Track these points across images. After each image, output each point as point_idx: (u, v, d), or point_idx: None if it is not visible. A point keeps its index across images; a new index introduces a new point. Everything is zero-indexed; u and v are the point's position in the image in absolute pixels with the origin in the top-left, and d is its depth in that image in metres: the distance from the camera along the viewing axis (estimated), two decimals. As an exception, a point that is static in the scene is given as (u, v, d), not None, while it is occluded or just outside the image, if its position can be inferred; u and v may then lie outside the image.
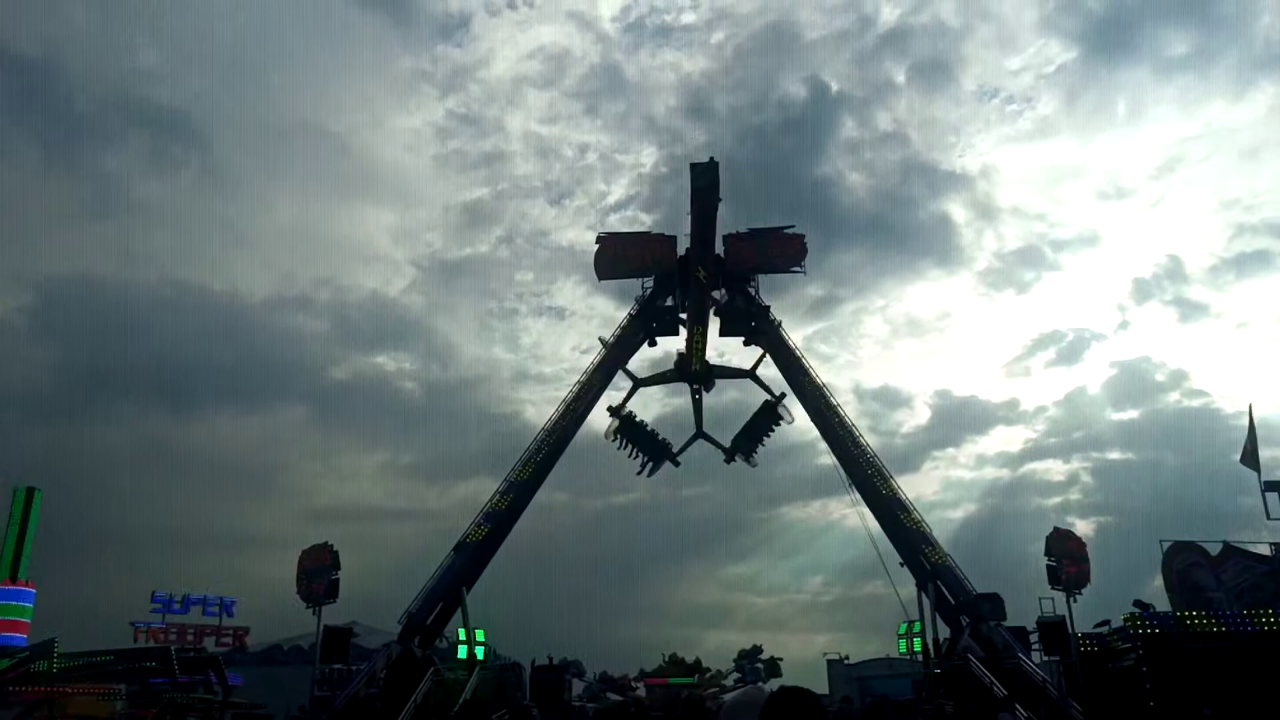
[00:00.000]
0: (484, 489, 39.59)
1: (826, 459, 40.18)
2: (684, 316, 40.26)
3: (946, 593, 35.16)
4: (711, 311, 40.27)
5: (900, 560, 36.45)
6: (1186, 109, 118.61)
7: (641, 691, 48.00)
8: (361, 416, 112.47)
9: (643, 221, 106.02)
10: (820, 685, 52.63)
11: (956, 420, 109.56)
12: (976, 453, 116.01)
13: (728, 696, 39.56)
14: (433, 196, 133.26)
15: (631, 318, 41.30)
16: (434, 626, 36.13)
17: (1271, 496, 31.85)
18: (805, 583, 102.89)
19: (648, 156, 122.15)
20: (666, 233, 41.85)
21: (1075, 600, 30.44)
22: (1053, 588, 30.99)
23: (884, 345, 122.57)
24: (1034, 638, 31.98)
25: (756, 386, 42.27)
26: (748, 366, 42.27)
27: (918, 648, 34.80)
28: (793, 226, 41.76)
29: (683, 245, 40.21)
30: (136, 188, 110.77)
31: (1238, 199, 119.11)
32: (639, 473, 42.97)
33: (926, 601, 34.87)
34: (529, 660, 39.15)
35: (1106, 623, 31.81)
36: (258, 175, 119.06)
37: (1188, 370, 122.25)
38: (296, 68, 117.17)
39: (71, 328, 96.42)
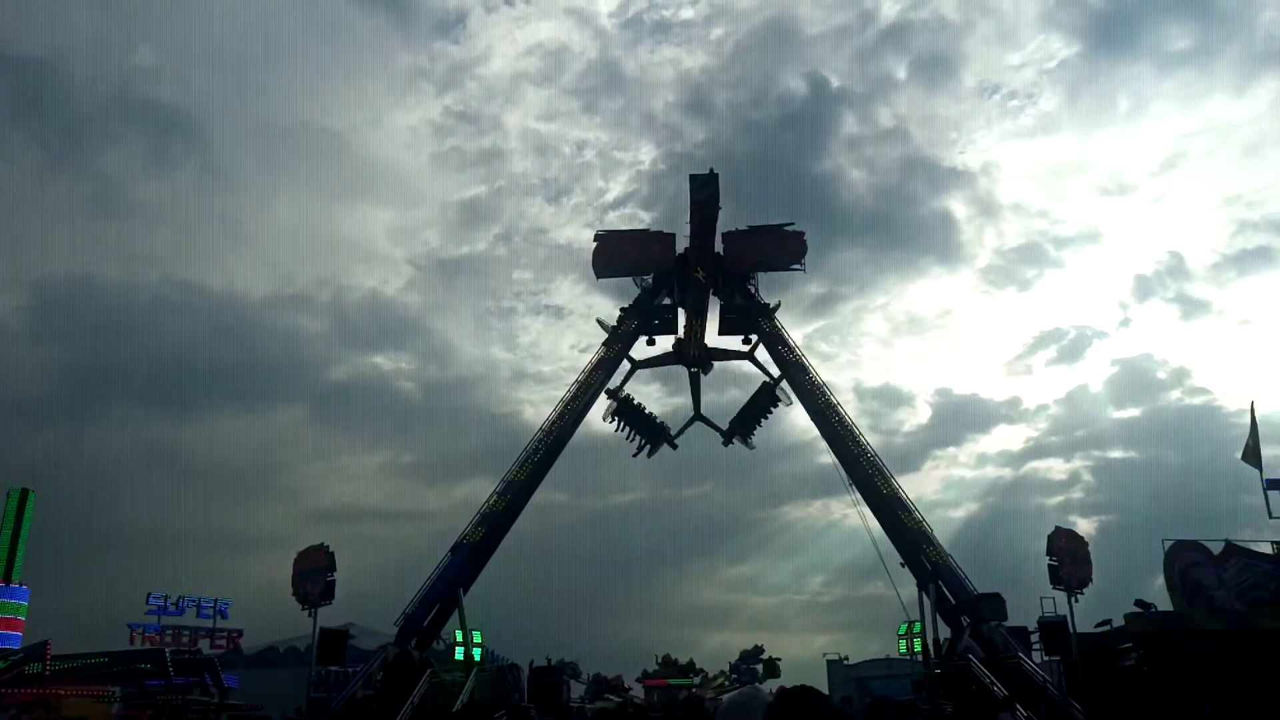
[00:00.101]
0: (482, 489, 39.46)
1: (827, 458, 40.06)
2: (683, 311, 40.23)
3: (947, 593, 34.97)
4: (710, 308, 40.24)
5: (901, 560, 36.28)
6: (1188, 104, 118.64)
7: (637, 693, 47.91)
8: (360, 417, 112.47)
9: (641, 219, 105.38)
10: (820, 686, 52.14)
11: (957, 419, 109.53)
12: (978, 451, 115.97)
13: (725, 697, 39.39)
14: (431, 194, 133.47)
15: (629, 315, 41.09)
16: (431, 628, 35.92)
17: (1274, 495, 31.63)
18: (805, 583, 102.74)
19: (646, 154, 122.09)
20: (665, 230, 41.77)
21: (1077, 600, 30.23)
22: (1054, 587, 30.78)
23: (884, 343, 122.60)
24: (1035, 637, 31.79)
25: (757, 382, 42.22)
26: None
27: (918, 648, 34.62)
28: (793, 224, 41.62)
29: (681, 243, 40.15)
30: (136, 187, 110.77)
31: (1240, 195, 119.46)
32: (635, 454, 42.79)
33: (927, 601, 34.70)
34: (526, 662, 38.96)
35: (1108, 622, 31.61)
36: (257, 174, 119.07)
37: (1190, 368, 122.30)
38: (296, 66, 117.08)
39: (70, 328, 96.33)
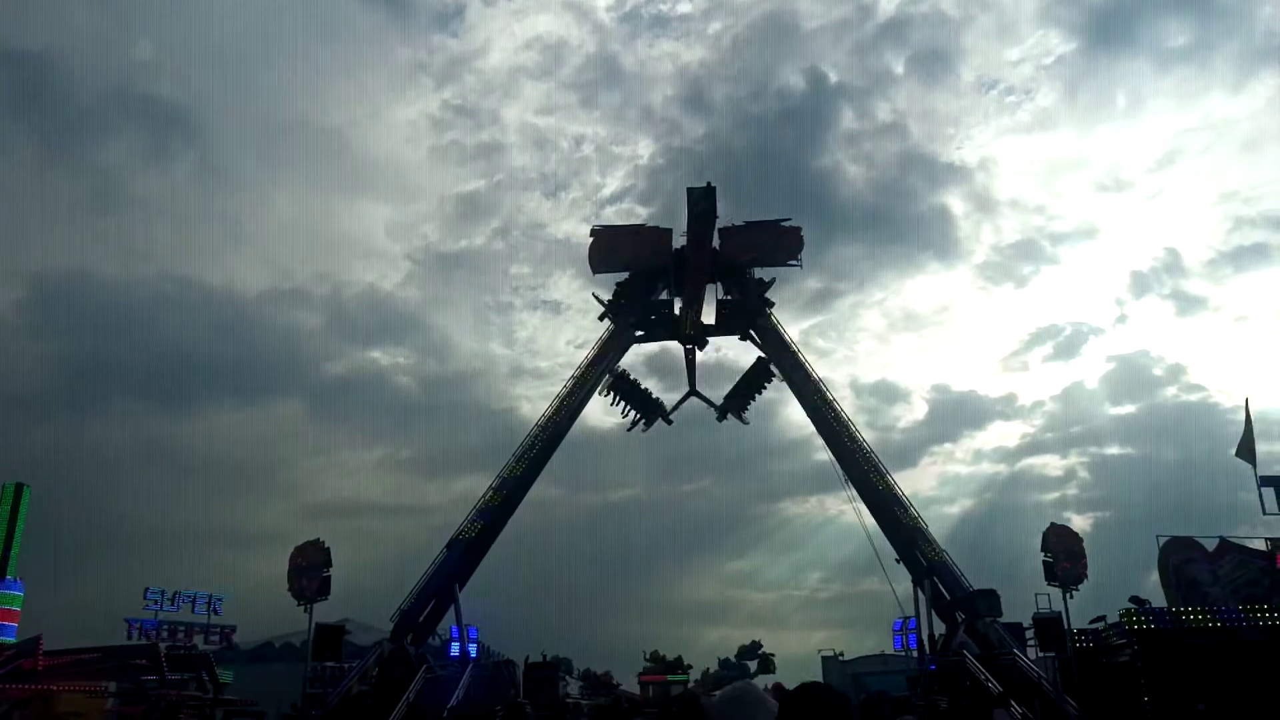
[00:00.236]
0: (480, 484, 39.36)
1: (823, 454, 40.10)
2: (678, 303, 40.47)
3: (942, 589, 35.00)
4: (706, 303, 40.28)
5: (897, 556, 36.29)
6: (1186, 101, 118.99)
7: (629, 688, 47.96)
8: (358, 412, 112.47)
9: (639, 214, 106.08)
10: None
11: (954, 415, 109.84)
12: (974, 448, 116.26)
13: (718, 692, 39.42)
14: (429, 189, 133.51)
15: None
16: (427, 624, 35.89)
17: (1268, 491, 31.74)
18: (802, 579, 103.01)
19: (644, 148, 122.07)
20: (662, 225, 41.68)
21: (1072, 596, 30.26)
22: (1049, 583, 30.81)
23: (881, 339, 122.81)
24: (1030, 634, 31.83)
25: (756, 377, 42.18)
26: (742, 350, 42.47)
27: (913, 644, 34.65)
28: (790, 219, 41.56)
29: (678, 239, 40.16)
30: (134, 182, 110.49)
31: (1236, 191, 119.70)
32: (630, 429, 42.85)
33: (922, 598, 34.73)
34: (522, 658, 38.93)
35: (1102, 618, 31.67)
36: (255, 169, 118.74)
37: (1186, 364, 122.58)
38: (294, 61, 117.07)
39: (68, 322, 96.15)
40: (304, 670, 31.56)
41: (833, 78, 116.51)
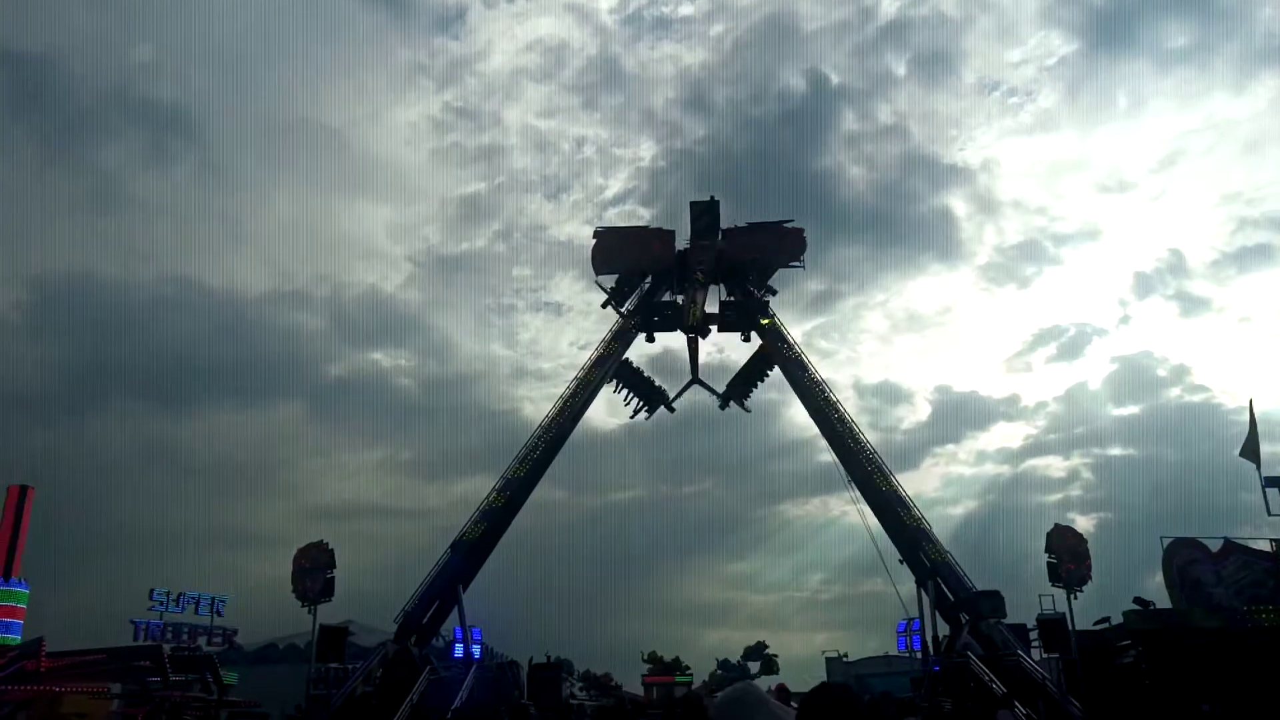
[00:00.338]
0: (482, 486, 39.43)
1: (826, 456, 40.02)
2: (680, 298, 40.75)
3: (946, 590, 34.96)
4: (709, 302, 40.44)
5: (900, 557, 36.26)
6: (1188, 102, 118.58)
7: (628, 689, 47.98)
8: (359, 413, 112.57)
9: (641, 216, 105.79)
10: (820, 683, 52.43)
11: (957, 416, 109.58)
12: (977, 449, 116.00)
13: (720, 693, 39.30)
14: (430, 191, 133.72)
15: (629, 313, 41.07)
16: (430, 625, 35.94)
17: (1272, 492, 31.64)
18: (805, 580, 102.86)
19: (646, 150, 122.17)
20: (665, 227, 41.71)
21: (1076, 597, 30.23)
22: (1053, 585, 30.79)
23: (884, 340, 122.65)
24: (1034, 635, 31.80)
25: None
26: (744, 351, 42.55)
27: (917, 646, 34.61)
28: (792, 220, 41.59)
29: (681, 240, 40.21)
30: (134, 183, 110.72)
31: (1239, 192, 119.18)
32: (633, 416, 43.30)
33: (926, 599, 34.69)
34: (526, 659, 38.93)
35: (1107, 619, 31.62)
36: (256, 170, 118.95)
37: (1189, 365, 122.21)
38: (294, 62, 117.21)
39: (69, 324, 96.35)
40: (308, 671, 31.63)
41: (834, 79, 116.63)
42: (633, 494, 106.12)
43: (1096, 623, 31.66)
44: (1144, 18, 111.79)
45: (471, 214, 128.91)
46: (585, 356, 41.65)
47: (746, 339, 41.91)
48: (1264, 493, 31.49)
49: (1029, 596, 32.36)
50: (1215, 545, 33.01)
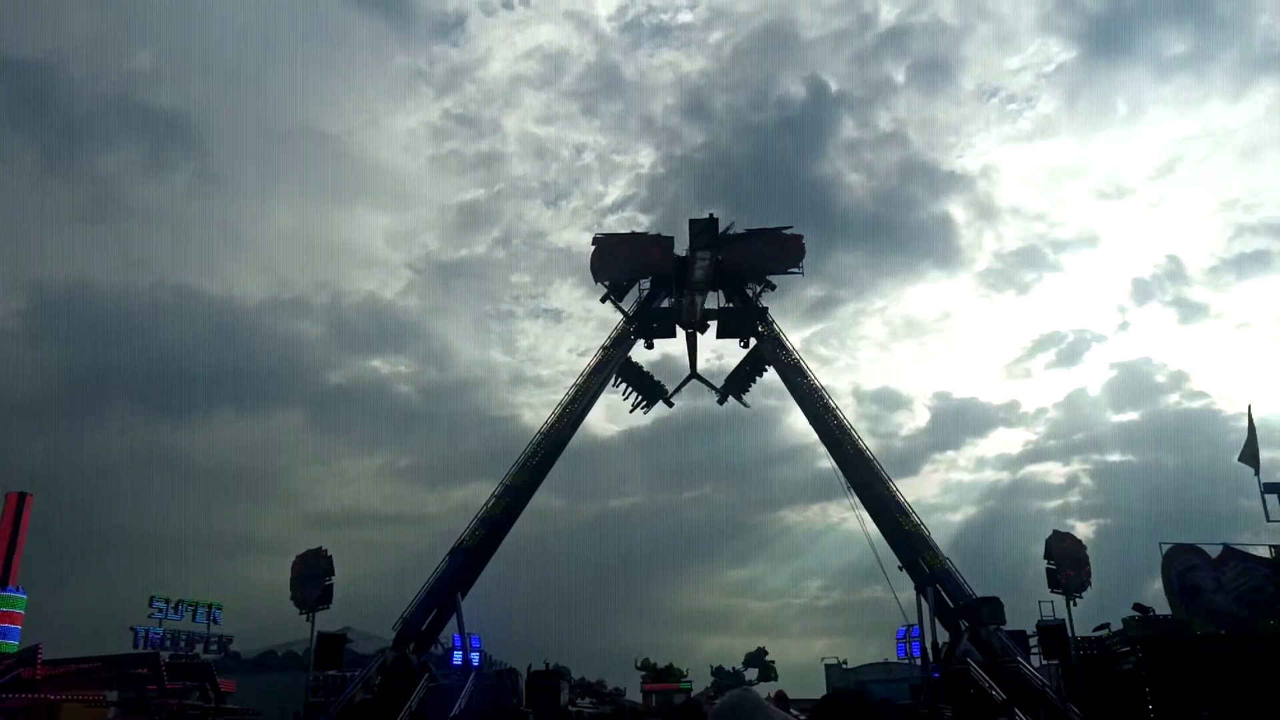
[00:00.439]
0: (481, 493, 39.39)
1: (825, 462, 40.01)
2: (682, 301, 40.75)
3: (946, 596, 34.89)
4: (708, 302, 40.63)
5: (899, 564, 36.20)
6: (1186, 109, 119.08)
7: (631, 697, 47.93)
8: (358, 420, 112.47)
9: (640, 223, 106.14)
10: (819, 690, 52.31)
11: (956, 422, 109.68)
12: (976, 455, 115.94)
13: (719, 700, 39.25)
14: (429, 198, 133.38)
15: (628, 319, 41.09)
16: (429, 632, 35.83)
17: (1271, 498, 31.66)
18: (804, 587, 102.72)
19: (645, 157, 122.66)
20: (664, 234, 41.73)
21: (1075, 603, 30.21)
22: (1052, 591, 30.78)
23: (883, 347, 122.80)
24: (1034, 641, 31.76)
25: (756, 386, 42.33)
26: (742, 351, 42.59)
27: (916, 652, 34.55)
28: (791, 227, 41.59)
29: (680, 246, 40.28)
30: (134, 191, 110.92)
31: (1237, 199, 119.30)
32: (633, 410, 43.45)
33: (925, 605, 34.62)
34: (525, 666, 38.86)
35: (1106, 626, 31.60)
36: (255, 178, 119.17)
37: (1188, 371, 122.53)
38: (294, 70, 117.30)
39: (68, 331, 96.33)
40: (306, 679, 31.56)
41: (833, 87, 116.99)
42: (632, 500, 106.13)
43: (1096, 629, 31.64)
44: (1142, 25, 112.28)
45: (471, 221, 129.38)
46: (584, 363, 41.77)
47: (745, 344, 41.94)
48: (1263, 499, 31.50)
49: (1028, 603, 32.36)
50: (1214, 552, 32.99)
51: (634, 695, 50.54)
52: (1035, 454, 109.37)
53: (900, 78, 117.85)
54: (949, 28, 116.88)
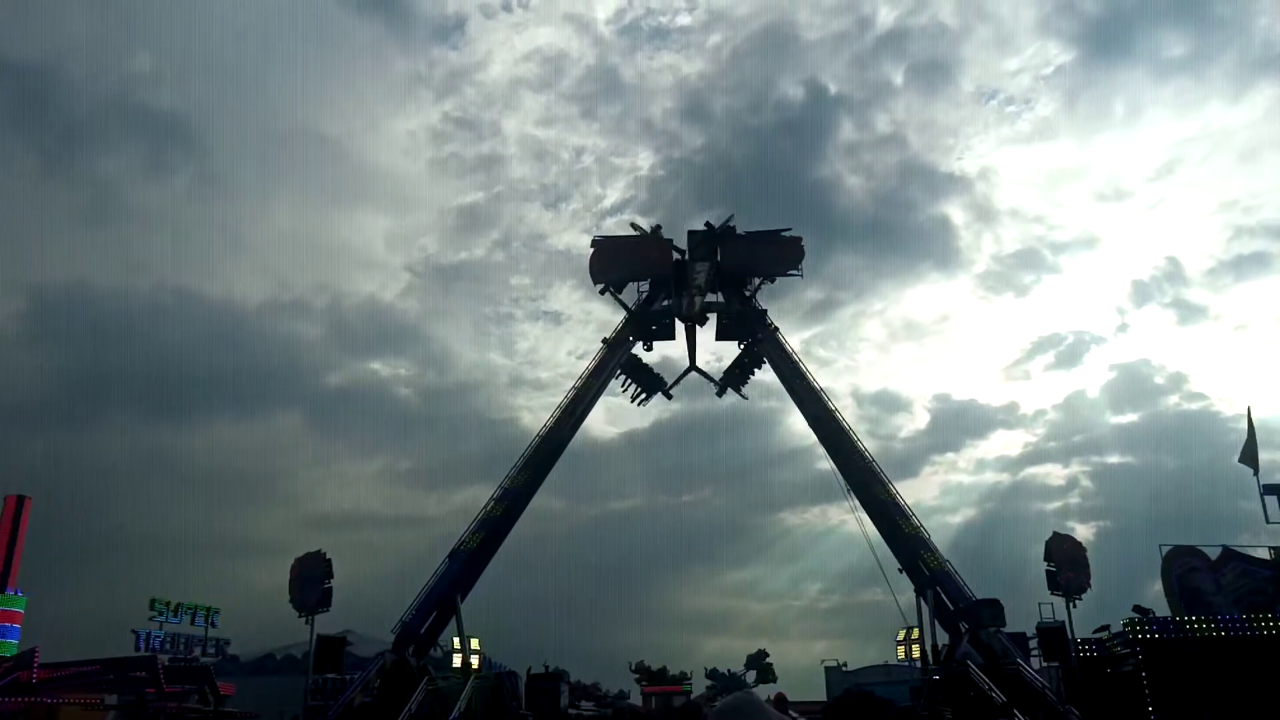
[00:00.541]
0: (481, 495, 39.29)
1: (825, 464, 39.90)
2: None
3: (945, 599, 34.84)
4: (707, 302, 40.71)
5: (899, 566, 36.16)
6: (1185, 110, 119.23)
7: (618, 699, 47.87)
8: (358, 422, 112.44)
9: (639, 225, 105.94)
10: (818, 692, 52.29)
11: (955, 424, 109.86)
12: (976, 457, 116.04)
13: (719, 701, 39.17)
14: (429, 200, 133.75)
15: (627, 321, 41.08)
16: (429, 635, 35.74)
17: (1270, 500, 31.73)
18: (803, 589, 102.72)
19: (644, 159, 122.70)
20: (663, 236, 41.68)
21: (1075, 605, 30.21)
22: (1052, 593, 30.78)
23: (882, 349, 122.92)
24: (1033, 643, 31.73)
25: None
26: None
27: (916, 654, 34.51)
28: (790, 229, 41.58)
29: (678, 252, 40.29)
30: (133, 194, 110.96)
31: (1236, 200, 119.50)
32: (633, 400, 43.52)
33: (925, 607, 34.57)
34: (524, 668, 38.80)
35: (1106, 628, 31.60)
36: (255, 180, 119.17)
37: (1187, 373, 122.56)
38: (294, 72, 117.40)
39: (68, 334, 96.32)
40: (305, 682, 31.52)
41: (832, 89, 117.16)
42: (632, 503, 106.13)
43: (1096, 631, 31.62)
44: (1141, 27, 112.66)
45: (470, 223, 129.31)
46: (583, 365, 41.66)
47: (744, 346, 41.94)
48: (1262, 500, 31.57)
49: (1028, 605, 32.37)
50: (1214, 553, 33.06)
51: (636, 698, 50.50)
52: (1035, 456, 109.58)
53: (899, 80, 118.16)
54: (948, 30, 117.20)
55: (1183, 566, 33.66)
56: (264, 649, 57.21)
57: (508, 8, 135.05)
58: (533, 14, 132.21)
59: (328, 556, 32.89)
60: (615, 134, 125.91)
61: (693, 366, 43.48)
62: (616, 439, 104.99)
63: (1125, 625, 29.67)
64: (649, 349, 42.18)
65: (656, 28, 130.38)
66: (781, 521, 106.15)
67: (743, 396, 44.31)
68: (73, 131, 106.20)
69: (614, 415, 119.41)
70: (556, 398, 41.32)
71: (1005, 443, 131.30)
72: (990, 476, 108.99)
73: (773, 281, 41.28)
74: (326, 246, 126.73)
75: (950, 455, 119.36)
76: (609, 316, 42.50)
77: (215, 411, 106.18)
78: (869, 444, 39.51)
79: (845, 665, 56.51)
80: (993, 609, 33.27)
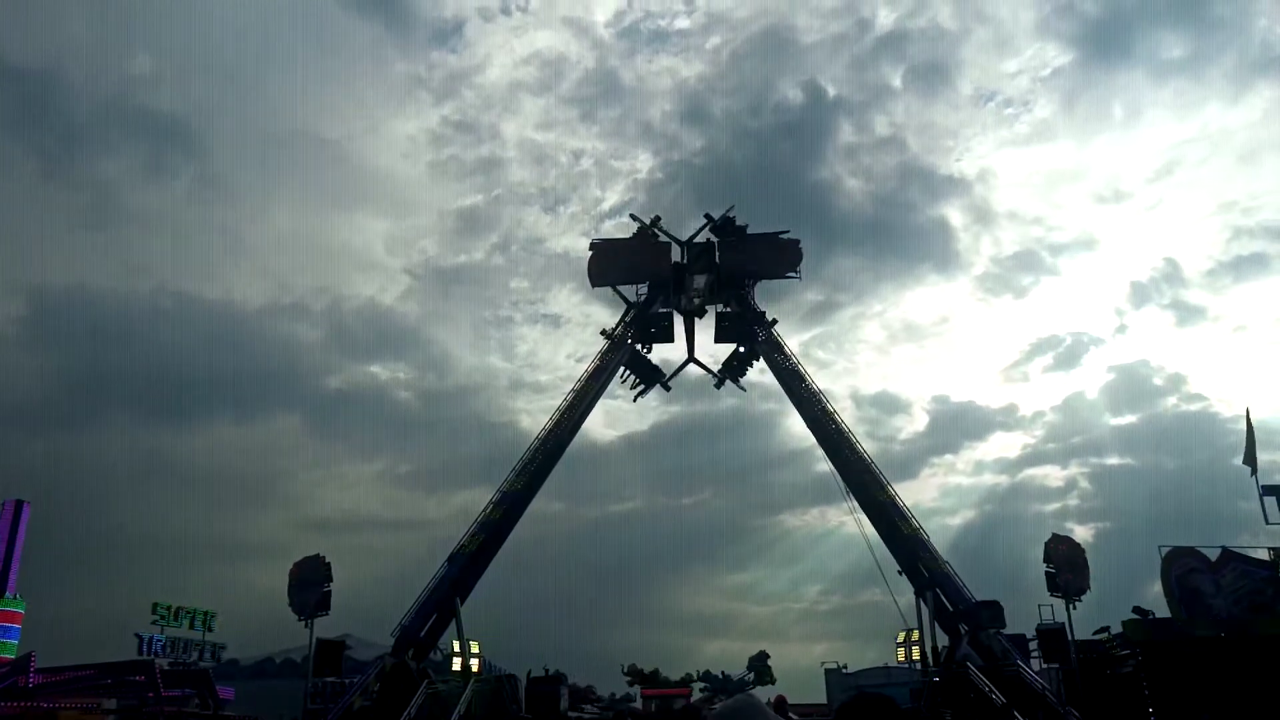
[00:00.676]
0: (480, 498, 39.23)
1: (824, 466, 39.89)
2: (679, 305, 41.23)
3: (945, 600, 34.83)
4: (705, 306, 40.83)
5: (898, 568, 36.15)
6: (1183, 112, 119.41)
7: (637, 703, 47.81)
8: (357, 425, 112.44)
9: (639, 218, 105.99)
10: (818, 694, 52.27)
11: (954, 426, 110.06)
12: (975, 459, 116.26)
13: (719, 704, 39.10)
14: (428, 203, 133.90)
15: (625, 324, 41.11)
16: (428, 638, 35.67)
17: (1270, 501, 31.74)
18: (803, 591, 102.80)
19: (644, 162, 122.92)
20: (662, 239, 41.72)
21: (1074, 607, 30.20)
22: (1052, 594, 30.76)
23: (881, 351, 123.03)
24: (1033, 645, 31.72)
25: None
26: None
27: (916, 656, 34.49)
28: (789, 231, 41.62)
29: (677, 251, 40.29)
30: (133, 197, 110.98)
31: (1235, 201, 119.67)
32: (632, 390, 43.45)
33: (925, 609, 34.55)
34: (524, 671, 38.77)
35: (1106, 629, 31.59)
36: (254, 183, 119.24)
37: (1186, 374, 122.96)
38: (293, 75, 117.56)
39: (67, 337, 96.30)
40: (304, 686, 31.46)
41: (831, 91, 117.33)
42: (631, 505, 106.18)
43: (1095, 632, 31.61)
44: (1140, 29, 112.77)
45: (469, 226, 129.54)
46: (583, 369, 41.65)
47: (743, 349, 41.95)
48: (1261, 501, 31.58)
49: (1028, 606, 32.38)
50: (1213, 554, 33.04)
51: (636, 701, 50.43)
52: (1034, 457, 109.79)
53: (898, 82, 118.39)
54: (946, 32, 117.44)
55: (1182, 568, 33.63)
56: (263, 653, 57.11)
57: (507, 11, 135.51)
58: (532, 17, 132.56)
59: (327, 560, 32.85)
60: (614, 137, 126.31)
61: (691, 358, 43.45)
62: (616, 441, 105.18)
63: (1125, 626, 29.68)
64: (648, 351, 42.25)
65: (655, 30, 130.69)
66: (781, 523, 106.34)
67: (741, 389, 44.50)
68: (72, 134, 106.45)
69: (613, 418, 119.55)
70: (556, 400, 41.35)
71: (1004, 444, 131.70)
72: (989, 478, 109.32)
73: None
74: (326, 249, 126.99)
75: (949, 457, 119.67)
76: (608, 320, 42.52)
77: (215, 414, 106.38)
78: (868, 446, 39.56)
79: (845, 667, 56.42)
80: (992, 610, 33.25)
